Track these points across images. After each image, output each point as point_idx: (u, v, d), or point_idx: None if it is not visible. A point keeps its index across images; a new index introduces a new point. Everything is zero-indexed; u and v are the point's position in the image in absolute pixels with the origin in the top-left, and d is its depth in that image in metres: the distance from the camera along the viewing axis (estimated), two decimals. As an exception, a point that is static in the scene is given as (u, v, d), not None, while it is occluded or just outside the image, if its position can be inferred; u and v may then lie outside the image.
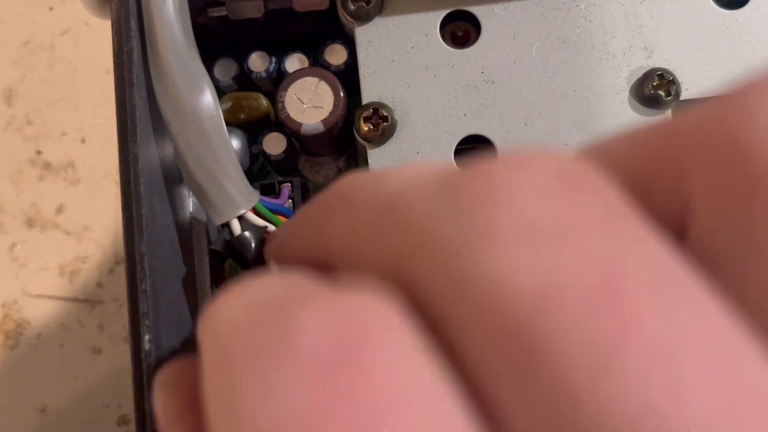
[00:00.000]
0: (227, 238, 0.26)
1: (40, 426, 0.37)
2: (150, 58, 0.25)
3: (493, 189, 0.10)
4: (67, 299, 0.38)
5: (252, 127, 0.31)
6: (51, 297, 0.38)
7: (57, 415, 0.37)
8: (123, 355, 0.38)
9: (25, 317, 0.38)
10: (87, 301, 0.38)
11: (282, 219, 0.27)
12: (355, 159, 0.33)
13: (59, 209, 0.39)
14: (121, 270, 0.38)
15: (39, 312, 0.38)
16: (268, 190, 0.29)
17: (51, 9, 0.42)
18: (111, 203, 0.39)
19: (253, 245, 0.26)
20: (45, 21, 0.42)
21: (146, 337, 0.24)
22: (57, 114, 0.41)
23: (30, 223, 0.39)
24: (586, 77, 0.28)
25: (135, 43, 0.25)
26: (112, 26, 0.26)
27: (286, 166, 0.31)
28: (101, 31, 0.42)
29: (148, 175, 0.25)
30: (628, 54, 0.28)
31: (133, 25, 0.25)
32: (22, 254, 0.39)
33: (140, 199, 0.24)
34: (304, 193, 0.30)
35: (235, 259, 0.26)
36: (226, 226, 0.26)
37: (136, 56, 0.25)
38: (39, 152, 0.40)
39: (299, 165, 0.32)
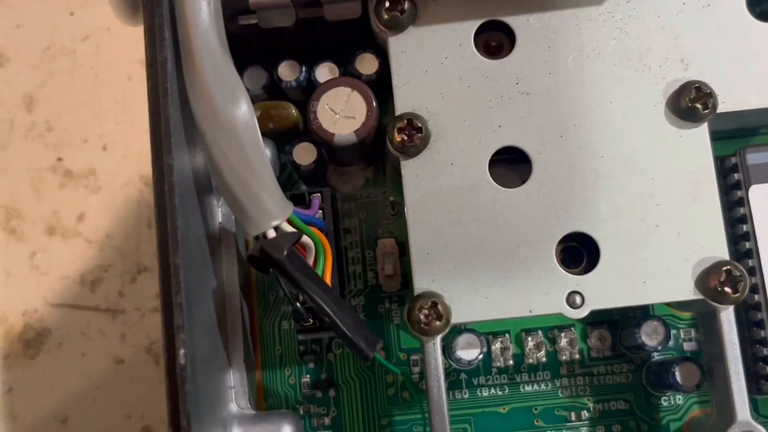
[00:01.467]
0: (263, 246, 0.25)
1: (60, 436, 0.37)
2: (185, 68, 0.25)
3: None
4: (88, 308, 0.38)
5: (279, 137, 0.31)
6: (72, 306, 0.38)
7: (78, 425, 0.37)
8: (146, 364, 0.37)
9: (46, 326, 0.38)
10: (109, 310, 0.38)
11: (315, 231, 0.26)
12: (383, 169, 0.32)
13: (80, 217, 0.39)
14: (144, 279, 0.38)
15: (60, 321, 0.38)
16: (298, 200, 0.29)
17: (72, 14, 0.42)
18: (133, 211, 0.38)
19: (285, 248, 0.25)
20: (66, 26, 0.42)
21: (181, 352, 0.23)
22: (78, 120, 0.40)
23: (51, 231, 0.39)
24: (622, 89, 0.27)
25: (169, 53, 0.25)
26: (144, 35, 0.25)
27: (314, 176, 0.31)
28: (123, 37, 0.41)
29: (182, 186, 0.24)
30: (665, 66, 0.28)
31: (167, 34, 0.25)
32: (42, 262, 0.38)
33: (175, 212, 0.23)
34: (334, 203, 0.30)
35: (271, 264, 0.25)
36: (262, 236, 0.25)
37: (170, 66, 0.24)
38: (60, 159, 0.40)
39: (327, 175, 0.32)
